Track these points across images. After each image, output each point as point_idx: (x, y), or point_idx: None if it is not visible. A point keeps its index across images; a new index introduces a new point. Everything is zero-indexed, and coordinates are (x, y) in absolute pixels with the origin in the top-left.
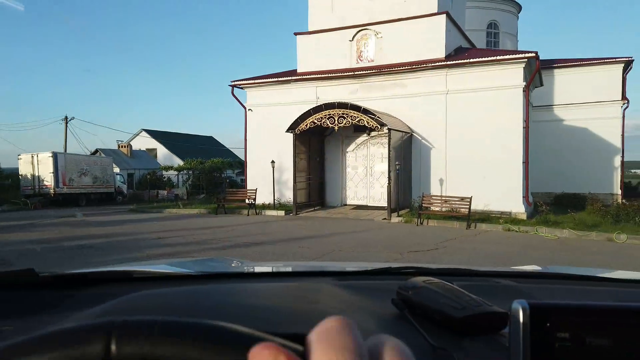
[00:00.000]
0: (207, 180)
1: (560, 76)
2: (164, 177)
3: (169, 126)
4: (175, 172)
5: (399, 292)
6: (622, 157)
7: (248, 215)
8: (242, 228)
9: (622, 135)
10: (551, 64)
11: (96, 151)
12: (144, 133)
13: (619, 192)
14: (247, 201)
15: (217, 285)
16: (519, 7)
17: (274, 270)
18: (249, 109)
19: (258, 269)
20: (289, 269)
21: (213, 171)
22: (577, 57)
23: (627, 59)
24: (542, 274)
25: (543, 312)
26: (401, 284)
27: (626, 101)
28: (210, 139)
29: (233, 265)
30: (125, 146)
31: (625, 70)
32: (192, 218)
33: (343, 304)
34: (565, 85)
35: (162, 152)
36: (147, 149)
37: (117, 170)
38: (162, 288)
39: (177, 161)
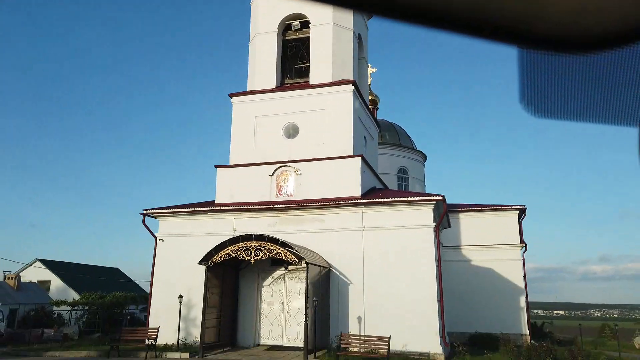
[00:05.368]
0: (105, 317)
1: (465, 219)
2: (54, 314)
3: (72, 257)
4: (69, 308)
5: None
6: (527, 297)
7: (146, 358)
8: None
9: (524, 276)
10: (456, 208)
11: None
12: (38, 263)
13: (527, 332)
14: (146, 341)
15: None
16: (425, 157)
17: None
18: (159, 239)
19: None
20: None
21: (114, 307)
22: (478, 202)
23: (520, 206)
24: None
25: None
26: None
27: (524, 245)
28: (115, 271)
29: None
30: (12, 277)
31: (521, 217)
32: None
33: None
34: (470, 228)
35: (57, 285)
36: (40, 281)
37: None
38: None
39: (74, 295)
